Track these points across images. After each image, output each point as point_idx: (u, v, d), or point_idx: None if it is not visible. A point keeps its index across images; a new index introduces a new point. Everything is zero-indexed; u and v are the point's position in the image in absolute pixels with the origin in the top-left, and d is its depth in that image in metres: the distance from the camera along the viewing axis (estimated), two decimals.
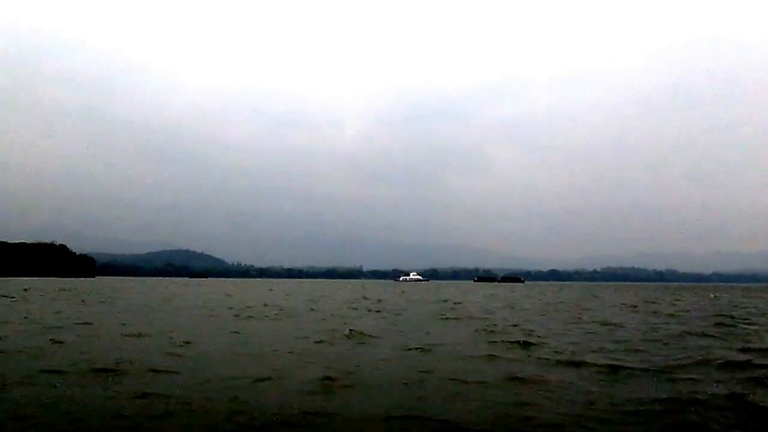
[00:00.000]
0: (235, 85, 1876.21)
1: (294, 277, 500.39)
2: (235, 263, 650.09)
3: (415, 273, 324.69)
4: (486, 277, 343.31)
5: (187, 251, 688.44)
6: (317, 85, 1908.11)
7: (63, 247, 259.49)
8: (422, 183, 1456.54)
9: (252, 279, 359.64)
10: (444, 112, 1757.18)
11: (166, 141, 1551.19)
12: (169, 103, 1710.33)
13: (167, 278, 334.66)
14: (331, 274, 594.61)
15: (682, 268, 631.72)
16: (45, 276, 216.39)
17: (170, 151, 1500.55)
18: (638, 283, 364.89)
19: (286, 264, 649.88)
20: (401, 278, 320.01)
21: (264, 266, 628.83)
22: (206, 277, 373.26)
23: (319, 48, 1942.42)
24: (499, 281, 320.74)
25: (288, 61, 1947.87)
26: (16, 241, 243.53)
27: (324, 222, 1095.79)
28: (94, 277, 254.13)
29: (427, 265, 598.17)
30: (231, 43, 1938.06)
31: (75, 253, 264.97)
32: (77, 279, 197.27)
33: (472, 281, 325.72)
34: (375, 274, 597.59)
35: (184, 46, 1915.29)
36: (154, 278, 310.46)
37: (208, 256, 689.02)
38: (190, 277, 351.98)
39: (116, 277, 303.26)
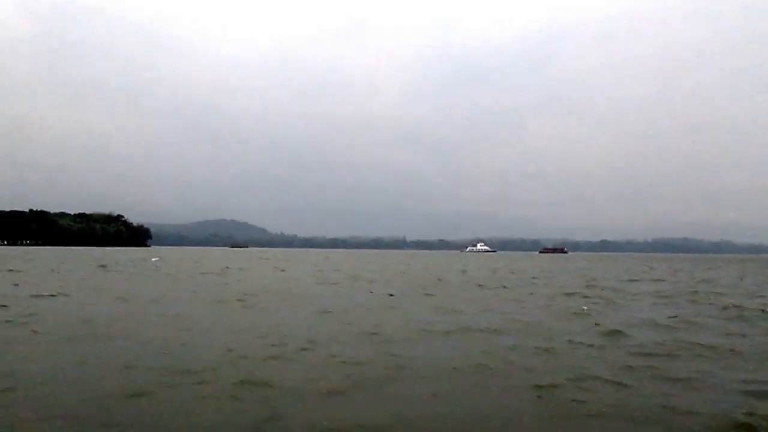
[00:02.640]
0: (270, 55, 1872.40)
1: (338, 248, 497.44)
2: (279, 233, 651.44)
3: (482, 243, 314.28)
4: (552, 248, 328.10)
5: (231, 221, 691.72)
6: (353, 51, 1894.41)
7: (120, 216, 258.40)
8: (462, 150, 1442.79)
9: (305, 249, 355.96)
10: (481, 77, 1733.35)
11: (205, 115, 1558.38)
12: (211, 77, 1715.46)
13: (218, 248, 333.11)
14: (375, 244, 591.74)
15: (740, 239, 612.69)
16: (104, 246, 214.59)
17: (210, 124, 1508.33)
18: (688, 255, 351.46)
19: (330, 234, 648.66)
20: (467, 249, 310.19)
21: (308, 236, 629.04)
22: (247, 246, 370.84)
23: (352, 12, 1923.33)
24: (540, 252, 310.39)
25: (322, 28, 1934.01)
26: (75, 212, 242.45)
27: (365, 191, 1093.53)
28: (148, 246, 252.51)
29: (470, 235, 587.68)
30: (263, 12, 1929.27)
31: (132, 223, 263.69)
32: (135, 248, 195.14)
33: (537, 252, 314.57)
34: (419, 245, 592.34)
35: (217, 18, 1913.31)
36: (215, 248, 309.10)
37: (252, 226, 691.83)
38: (231, 246, 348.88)
39: (172, 247, 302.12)
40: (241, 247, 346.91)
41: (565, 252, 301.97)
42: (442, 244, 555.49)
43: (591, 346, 12.30)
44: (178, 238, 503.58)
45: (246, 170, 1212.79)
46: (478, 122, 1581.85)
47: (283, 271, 46.08)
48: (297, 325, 14.68)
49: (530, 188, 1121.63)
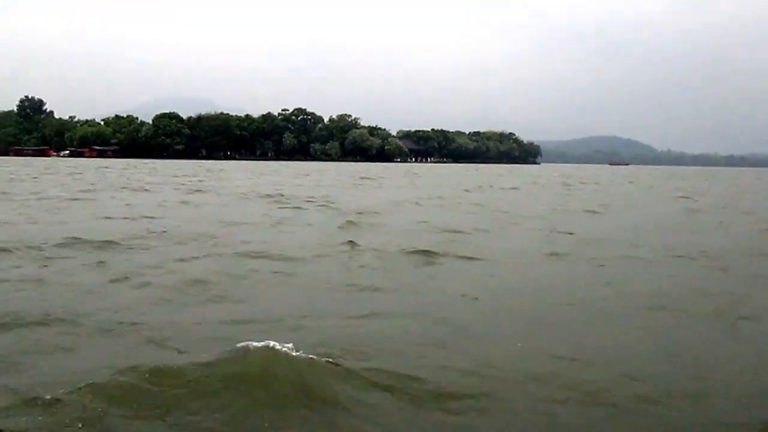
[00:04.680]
0: None
1: (734, 166, 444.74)
2: (665, 150, 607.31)
3: None
4: None
5: (614, 138, 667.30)
6: None
7: (512, 134, 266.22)
8: None
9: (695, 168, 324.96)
10: None
11: (586, 27, 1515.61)
12: None
13: (596, 165, 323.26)
14: None
15: None
16: (498, 163, 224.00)
17: (591, 39, 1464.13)
18: None
19: (724, 151, 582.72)
20: None
21: (697, 153, 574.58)
22: (628, 165, 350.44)
23: None
24: None
25: None
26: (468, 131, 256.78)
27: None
28: (538, 164, 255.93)
29: None
30: None
31: (523, 140, 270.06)
32: (527, 165, 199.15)
33: None
34: None
35: None
36: (593, 165, 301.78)
37: (636, 143, 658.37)
38: (610, 164, 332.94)
39: (559, 164, 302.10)
40: (620, 164, 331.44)
41: None
42: None
43: None
44: (560, 154, 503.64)
45: (629, 85, 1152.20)
46: None
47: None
48: None
49: None
